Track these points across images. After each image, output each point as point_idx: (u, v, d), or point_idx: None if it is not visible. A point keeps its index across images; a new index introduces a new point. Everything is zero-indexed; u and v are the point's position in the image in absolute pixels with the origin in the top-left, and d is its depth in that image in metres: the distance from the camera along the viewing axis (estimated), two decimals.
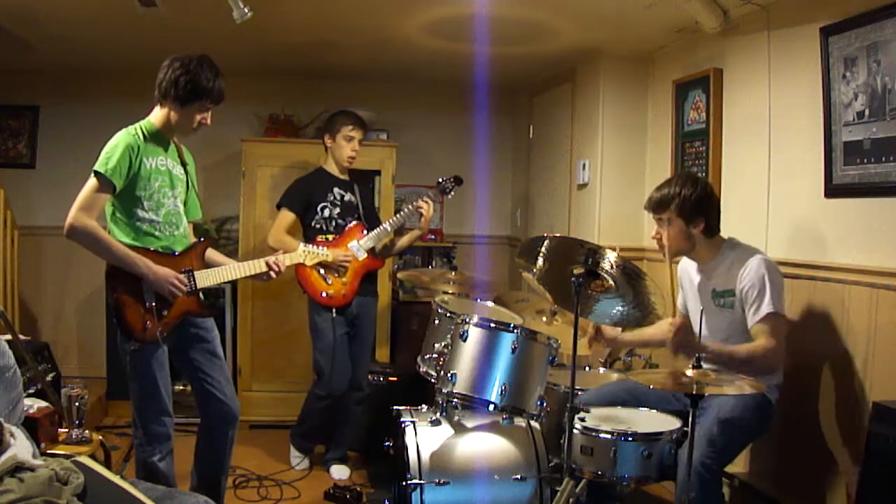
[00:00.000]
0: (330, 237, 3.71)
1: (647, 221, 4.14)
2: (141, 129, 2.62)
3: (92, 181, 2.51)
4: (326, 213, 3.74)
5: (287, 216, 3.74)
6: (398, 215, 3.68)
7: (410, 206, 3.70)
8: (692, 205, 2.68)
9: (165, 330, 2.62)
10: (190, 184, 2.82)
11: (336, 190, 3.77)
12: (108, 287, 2.58)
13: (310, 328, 3.77)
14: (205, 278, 2.69)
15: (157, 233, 2.64)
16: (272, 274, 2.82)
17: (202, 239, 2.84)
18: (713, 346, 2.57)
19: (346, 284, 3.66)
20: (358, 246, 3.65)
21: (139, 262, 2.54)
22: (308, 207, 3.74)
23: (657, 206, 2.74)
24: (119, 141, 2.55)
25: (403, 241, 3.88)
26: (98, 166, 2.51)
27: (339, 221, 3.73)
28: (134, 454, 2.73)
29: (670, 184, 2.75)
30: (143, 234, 2.61)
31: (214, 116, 2.71)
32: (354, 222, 3.73)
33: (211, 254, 2.82)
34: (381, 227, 3.67)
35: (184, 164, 2.78)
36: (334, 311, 3.68)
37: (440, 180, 3.82)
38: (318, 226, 3.73)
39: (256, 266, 2.80)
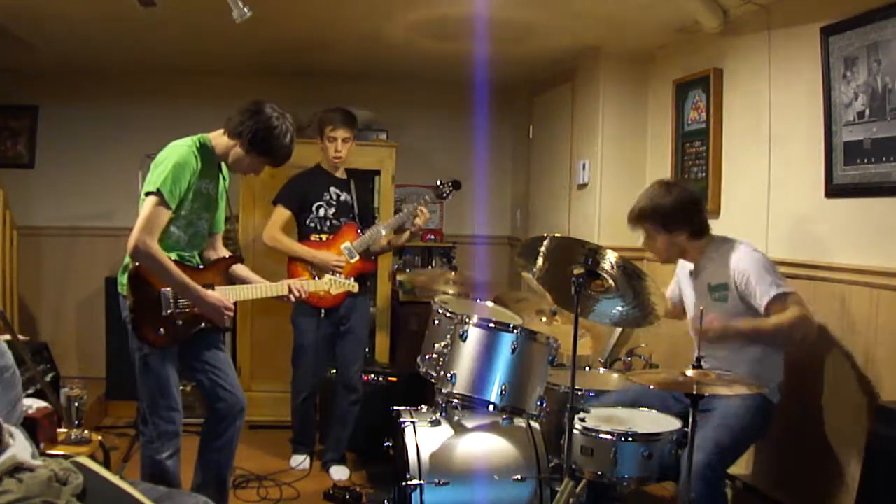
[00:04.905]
0: (324, 237, 3.70)
1: None
2: (199, 149, 2.61)
3: (152, 199, 2.49)
4: (322, 212, 3.72)
5: (283, 213, 3.71)
6: (395, 218, 3.69)
7: (408, 209, 3.70)
8: (668, 217, 2.68)
9: (179, 338, 2.66)
10: (222, 197, 2.84)
11: (332, 189, 3.74)
12: (129, 292, 2.57)
13: (292, 322, 3.80)
14: (224, 295, 2.70)
15: (179, 249, 2.65)
16: (292, 297, 2.83)
17: (230, 255, 2.87)
18: (741, 324, 2.55)
19: None
20: (350, 248, 3.65)
21: (194, 289, 2.58)
22: (303, 206, 3.71)
23: (634, 220, 2.76)
24: (184, 162, 2.53)
25: (397, 242, 3.90)
26: (161, 186, 2.48)
27: (334, 221, 3.72)
28: (140, 452, 2.75)
29: (644, 197, 2.75)
30: (168, 248, 2.61)
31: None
32: (348, 223, 3.72)
33: (236, 268, 2.85)
34: (376, 230, 3.65)
35: (222, 179, 2.80)
36: (322, 311, 3.69)
37: (438, 183, 3.80)
38: (312, 224, 3.71)
39: (278, 289, 2.82)
